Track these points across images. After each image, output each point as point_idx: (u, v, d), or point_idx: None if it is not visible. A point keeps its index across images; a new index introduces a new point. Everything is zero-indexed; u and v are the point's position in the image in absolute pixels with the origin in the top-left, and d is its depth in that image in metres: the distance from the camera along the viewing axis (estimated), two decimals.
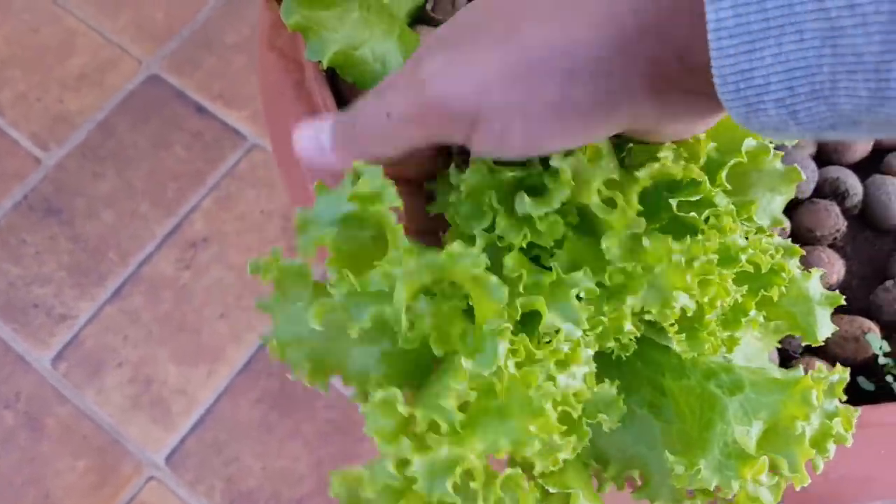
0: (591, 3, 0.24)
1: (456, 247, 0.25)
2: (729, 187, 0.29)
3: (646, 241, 0.27)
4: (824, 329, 0.31)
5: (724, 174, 0.29)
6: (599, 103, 0.24)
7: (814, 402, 0.27)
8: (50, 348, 0.76)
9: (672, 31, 0.23)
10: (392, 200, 0.26)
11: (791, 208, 0.41)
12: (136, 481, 0.71)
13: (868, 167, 0.43)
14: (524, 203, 0.28)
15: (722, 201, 0.28)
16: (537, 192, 0.28)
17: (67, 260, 0.79)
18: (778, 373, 0.29)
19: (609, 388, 0.28)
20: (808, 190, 0.41)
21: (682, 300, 0.27)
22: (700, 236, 0.27)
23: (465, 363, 0.25)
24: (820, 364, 0.33)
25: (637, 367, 0.31)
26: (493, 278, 0.25)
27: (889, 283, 0.38)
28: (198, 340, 0.76)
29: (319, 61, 0.35)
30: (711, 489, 0.28)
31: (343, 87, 0.40)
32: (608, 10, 0.23)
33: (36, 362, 0.75)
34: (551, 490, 0.27)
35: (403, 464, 0.24)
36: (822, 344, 0.31)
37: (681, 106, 0.25)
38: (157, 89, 0.87)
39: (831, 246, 0.40)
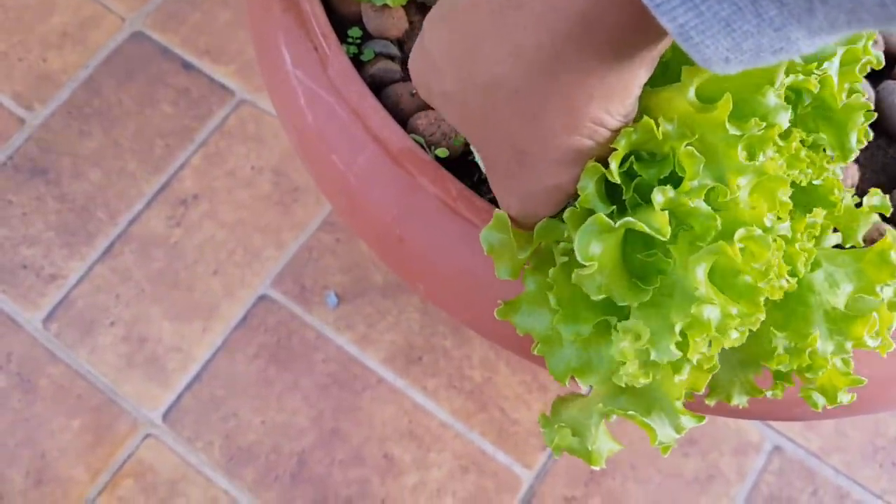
0: None
1: None
2: None
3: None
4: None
5: None
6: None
7: (893, 260, 0.28)
8: (40, 309, 0.74)
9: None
10: None
11: None
12: (133, 439, 0.70)
13: (879, 74, 0.41)
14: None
15: None
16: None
17: (55, 220, 0.78)
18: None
19: None
20: None
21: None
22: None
23: None
24: (889, 228, 0.33)
25: None
26: None
27: None
28: (191, 297, 0.75)
29: None
30: (828, 359, 0.29)
31: None
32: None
33: (27, 323, 0.73)
34: None
35: None
36: None
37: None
38: (141, 46, 0.85)
39: None
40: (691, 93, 0.27)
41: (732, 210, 0.27)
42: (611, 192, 0.29)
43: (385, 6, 0.37)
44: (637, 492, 0.69)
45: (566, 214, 0.29)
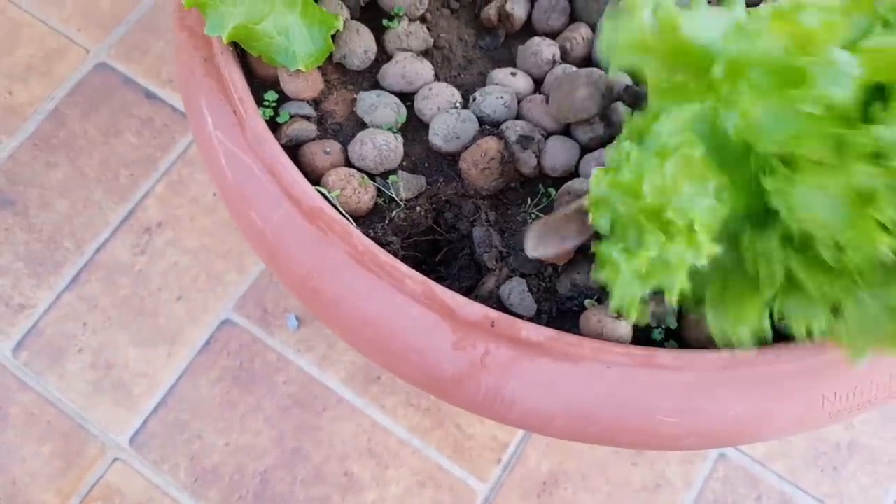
0: None
1: None
2: None
3: None
4: None
5: None
6: None
7: None
8: (10, 338, 0.76)
9: None
10: None
11: None
12: (102, 464, 0.72)
13: None
14: None
15: None
16: None
17: (24, 251, 0.80)
18: None
19: None
20: None
21: None
22: None
23: None
24: None
25: None
26: None
27: None
28: (156, 323, 0.77)
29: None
30: None
31: (252, 60, 0.41)
32: None
33: None
34: None
35: None
36: None
37: None
38: (105, 77, 0.87)
39: None
40: None
41: None
42: None
43: (299, 70, 0.40)
44: (588, 501, 0.72)
45: None
